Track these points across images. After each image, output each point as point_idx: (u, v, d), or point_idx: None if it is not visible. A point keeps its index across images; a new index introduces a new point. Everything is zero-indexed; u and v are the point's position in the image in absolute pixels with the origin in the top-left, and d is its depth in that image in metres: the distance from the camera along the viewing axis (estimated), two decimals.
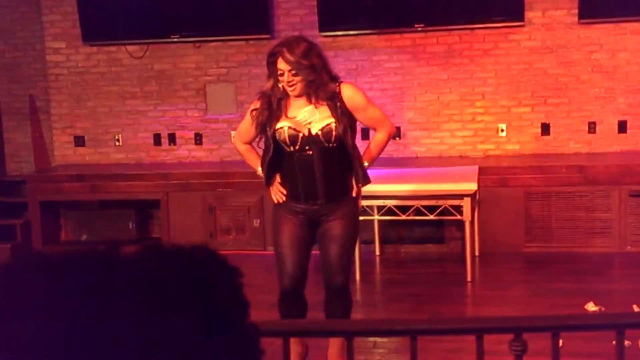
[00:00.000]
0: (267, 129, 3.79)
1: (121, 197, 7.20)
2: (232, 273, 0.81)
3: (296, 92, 3.73)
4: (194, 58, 7.65)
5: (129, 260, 0.77)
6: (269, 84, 3.81)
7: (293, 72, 3.67)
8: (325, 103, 3.75)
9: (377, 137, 4.03)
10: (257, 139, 3.99)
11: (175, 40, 7.51)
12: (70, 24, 7.69)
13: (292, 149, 3.76)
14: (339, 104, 3.75)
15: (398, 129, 7.31)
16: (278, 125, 3.76)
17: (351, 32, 7.28)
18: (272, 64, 3.74)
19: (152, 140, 7.81)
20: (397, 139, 7.35)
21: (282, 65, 3.69)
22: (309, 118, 3.75)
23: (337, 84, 3.80)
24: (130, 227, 7.31)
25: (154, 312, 0.74)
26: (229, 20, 7.34)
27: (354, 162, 3.83)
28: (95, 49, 7.77)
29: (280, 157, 3.85)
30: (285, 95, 3.78)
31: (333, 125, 3.72)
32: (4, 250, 7.01)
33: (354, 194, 3.92)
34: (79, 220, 7.53)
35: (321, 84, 3.75)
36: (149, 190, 7.11)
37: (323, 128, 3.74)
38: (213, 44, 7.57)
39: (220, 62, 7.60)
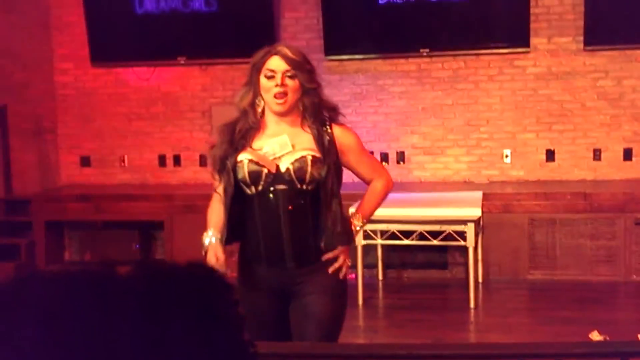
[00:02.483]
0: (227, 164, 2.86)
1: (125, 217, 7.20)
2: (228, 289, 0.82)
3: (284, 107, 2.84)
4: (200, 80, 7.69)
5: (125, 278, 0.78)
6: (246, 100, 2.90)
7: (289, 73, 2.82)
8: (309, 131, 2.88)
9: (374, 186, 3.07)
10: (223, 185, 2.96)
11: (182, 62, 7.55)
12: (78, 45, 7.75)
13: (253, 190, 2.83)
14: (327, 137, 2.87)
15: (402, 153, 7.33)
16: (239, 158, 2.84)
17: (357, 56, 7.32)
18: (257, 69, 2.86)
19: (157, 162, 7.83)
20: (402, 163, 7.36)
21: (275, 63, 2.83)
22: (278, 151, 2.84)
23: (329, 122, 2.93)
24: (134, 248, 7.31)
25: (151, 327, 0.75)
26: (235, 43, 7.39)
27: (326, 214, 2.84)
28: (103, 70, 7.82)
29: (241, 204, 2.89)
30: (256, 124, 2.90)
31: (309, 158, 2.81)
32: (8, 270, 7.00)
33: (331, 256, 2.90)
34: (82, 241, 7.54)
35: (318, 102, 2.90)
36: (153, 211, 7.12)
37: (295, 162, 2.82)
38: (219, 66, 7.61)
39: (226, 85, 7.63)
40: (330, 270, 2.90)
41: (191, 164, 7.76)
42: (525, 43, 6.98)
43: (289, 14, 7.46)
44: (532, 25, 6.97)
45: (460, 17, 7.00)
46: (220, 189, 2.92)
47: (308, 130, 2.88)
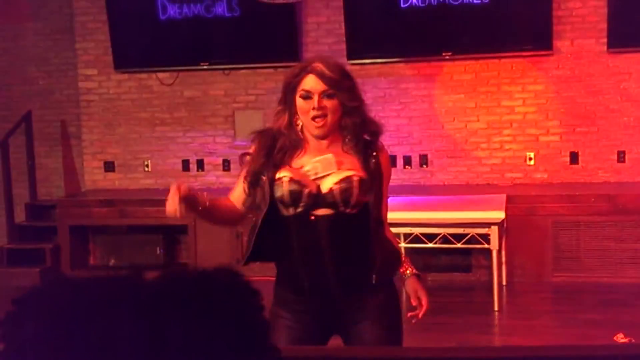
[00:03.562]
0: (262, 179, 2.60)
1: (149, 222, 7.25)
2: (254, 295, 0.83)
3: (324, 130, 2.60)
4: (223, 85, 7.72)
5: (153, 284, 0.79)
6: (281, 121, 2.65)
7: (328, 93, 2.56)
8: (353, 153, 2.62)
9: (391, 233, 2.78)
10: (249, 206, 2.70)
11: (205, 67, 7.59)
12: (102, 52, 7.81)
13: (290, 211, 2.56)
14: (373, 160, 2.62)
15: (425, 156, 7.33)
16: (278, 175, 2.57)
17: (379, 60, 7.32)
18: (292, 89, 2.61)
19: (180, 166, 7.88)
20: (425, 166, 7.35)
21: (312, 83, 2.57)
22: (321, 171, 2.58)
23: (375, 144, 2.67)
24: (158, 252, 7.36)
25: (178, 331, 0.76)
26: (258, 48, 7.42)
27: (375, 244, 2.60)
28: (126, 75, 7.88)
29: (274, 225, 2.61)
30: (298, 143, 2.64)
31: (355, 179, 2.55)
32: (34, 275, 7.08)
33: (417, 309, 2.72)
34: (107, 245, 7.60)
35: (361, 122, 2.63)
36: None
37: (340, 182, 2.54)
38: (242, 71, 7.64)
39: (249, 90, 7.66)
40: (415, 320, 2.73)
41: (214, 168, 7.79)
42: (548, 45, 6.94)
43: (311, 18, 7.48)
44: (555, 28, 6.94)
45: (481, 20, 6.98)
46: (234, 195, 2.72)
47: (351, 151, 2.62)
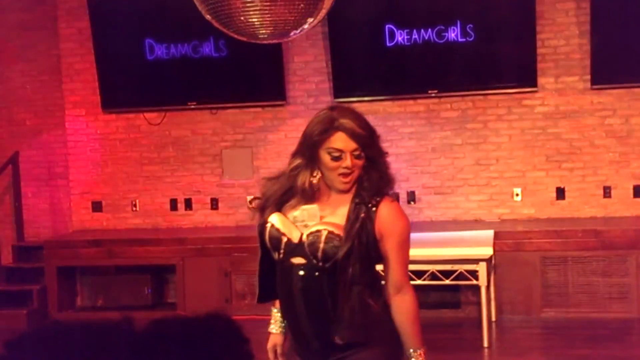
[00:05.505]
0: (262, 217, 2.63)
1: (137, 262, 7.22)
2: (245, 343, 0.83)
3: (349, 185, 2.54)
4: (210, 124, 7.75)
5: (145, 331, 0.79)
6: (302, 178, 2.56)
7: (357, 152, 2.51)
8: (350, 205, 2.54)
9: (408, 307, 2.70)
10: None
11: (193, 107, 7.62)
12: (90, 92, 7.83)
13: (276, 256, 2.58)
14: (362, 215, 2.51)
15: (413, 193, 7.35)
16: (268, 219, 2.59)
17: (365, 98, 7.36)
18: (317, 145, 2.52)
19: (168, 206, 7.86)
20: (412, 203, 7.37)
21: (343, 143, 2.49)
22: (307, 219, 2.54)
23: (377, 200, 2.55)
24: (146, 292, 7.31)
25: None
26: (245, 87, 7.47)
27: (343, 302, 2.46)
28: (114, 116, 7.89)
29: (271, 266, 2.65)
30: (310, 195, 2.57)
31: (324, 234, 2.46)
32: (20, 316, 7.02)
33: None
34: (95, 286, 7.54)
35: (379, 178, 2.58)
36: (165, 255, 7.14)
37: (309, 235, 2.49)
38: (229, 110, 7.67)
39: (236, 128, 7.69)
40: None
41: (202, 207, 7.78)
42: (533, 83, 7.02)
43: (298, 57, 7.54)
44: (539, 65, 7.01)
45: (467, 58, 7.05)
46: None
47: (354, 204, 2.54)
